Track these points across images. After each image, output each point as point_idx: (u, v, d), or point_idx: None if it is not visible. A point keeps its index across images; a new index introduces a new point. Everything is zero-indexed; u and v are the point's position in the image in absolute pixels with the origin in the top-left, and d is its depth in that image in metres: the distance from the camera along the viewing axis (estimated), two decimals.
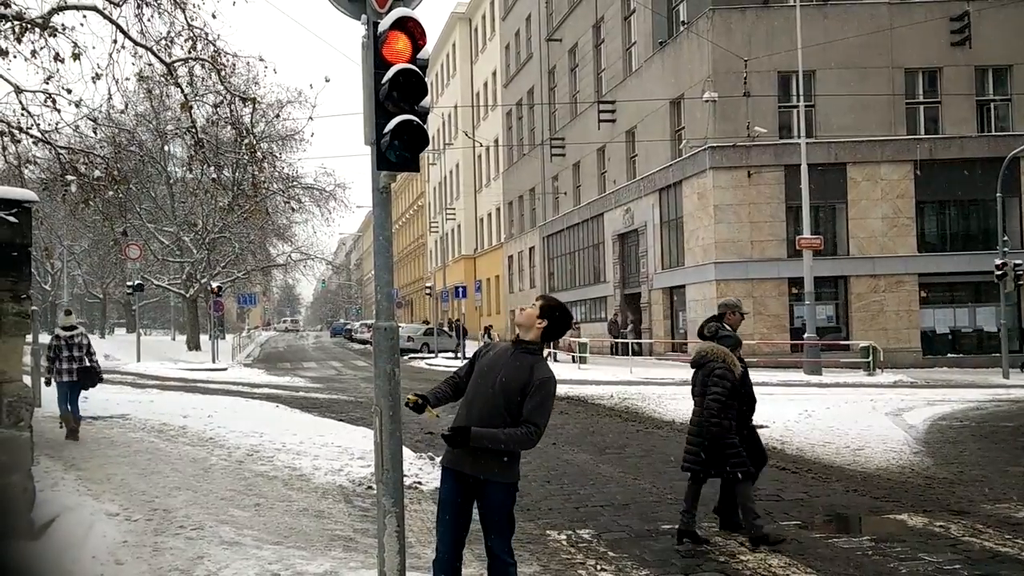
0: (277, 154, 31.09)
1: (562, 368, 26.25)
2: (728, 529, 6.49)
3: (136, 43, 12.00)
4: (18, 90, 11.87)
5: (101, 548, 5.38)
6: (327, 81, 13.33)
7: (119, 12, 11.76)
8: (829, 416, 13.05)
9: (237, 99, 13.15)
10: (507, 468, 4.17)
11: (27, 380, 6.69)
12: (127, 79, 28.65)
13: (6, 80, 11.89)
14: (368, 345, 44.24)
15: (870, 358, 22.22)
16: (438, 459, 8.82)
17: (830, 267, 24.77)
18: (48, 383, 11.36)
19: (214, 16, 16.74)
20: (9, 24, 10.77)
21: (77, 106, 12.27)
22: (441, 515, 4.20)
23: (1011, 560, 5.79)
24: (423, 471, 8.75)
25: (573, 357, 28.18)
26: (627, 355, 26.68)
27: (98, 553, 5.28)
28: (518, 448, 4.13)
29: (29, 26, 10.84)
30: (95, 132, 14.56)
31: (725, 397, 6.18)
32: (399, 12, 4.50)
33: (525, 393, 4.07)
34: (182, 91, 12.78)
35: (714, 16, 25.44)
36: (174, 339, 50.39)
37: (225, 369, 28.02)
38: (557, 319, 4.27)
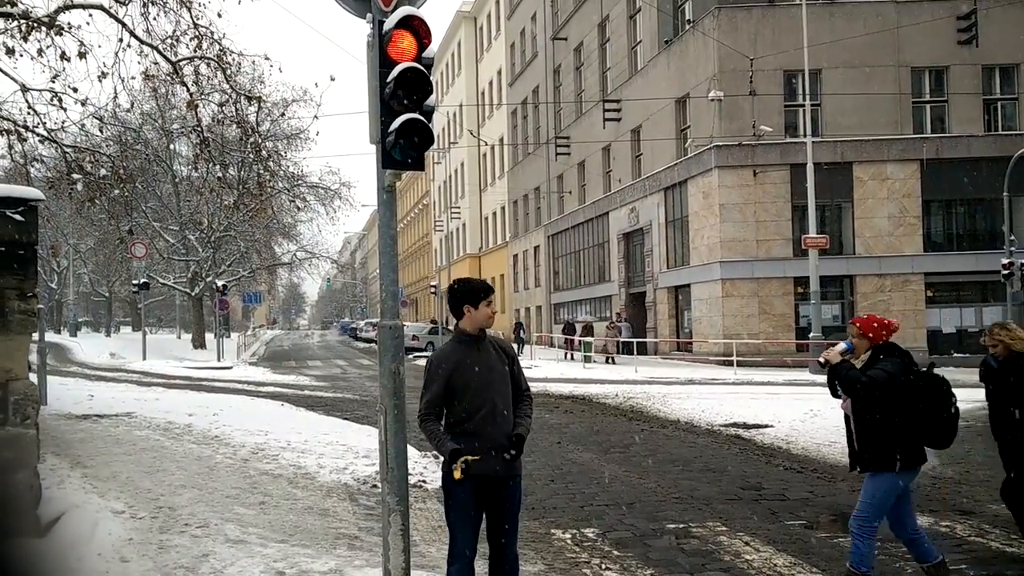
0: (282, 153, 31.16)
1: (568, 367, 26.23)
2: None
3: (142, 42, 12.03)
4: (24, 89, 11.91)
5: (107, 546, 5.39)
6: (332, 80, 13.38)
7: (125, 11, 11.81)
8: (835, 415, 12.89)
9: (242, 98, 13.17)
10: (520, 461, 4.26)
11: (33, 378, 6.71)
12: (133, 78, 28.69)
13: (12, 79, 11.94)
14: (373, 344, 44.29)
15: None
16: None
17: (836, 266, 24.72)
18: None
19: (220, 15, 16.84)
20: (15, 23, 10.80)
21: (83, 105, 12.31)
22: (464, 521, 4.11)
23: (1017, 560, 5.77)
24: (428, 470, 8.75)
25: (607, 358, 28.10)
26: (630, 354, 26.65)
27: (104, 551, 5.29)
28: None
29: (35, 25, 10.87)
30: (101, 131, 14.61)
31: None
32: (404, 11, 4.50)
33: (513, 369, 4.28)
34: (188, 90, 12.81)
35: (720, 15, 25.39)
36: (179, 337, 50.51)
37: (230, 367, 28.07)
38: (464, 294, 4.27)
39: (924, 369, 5.01)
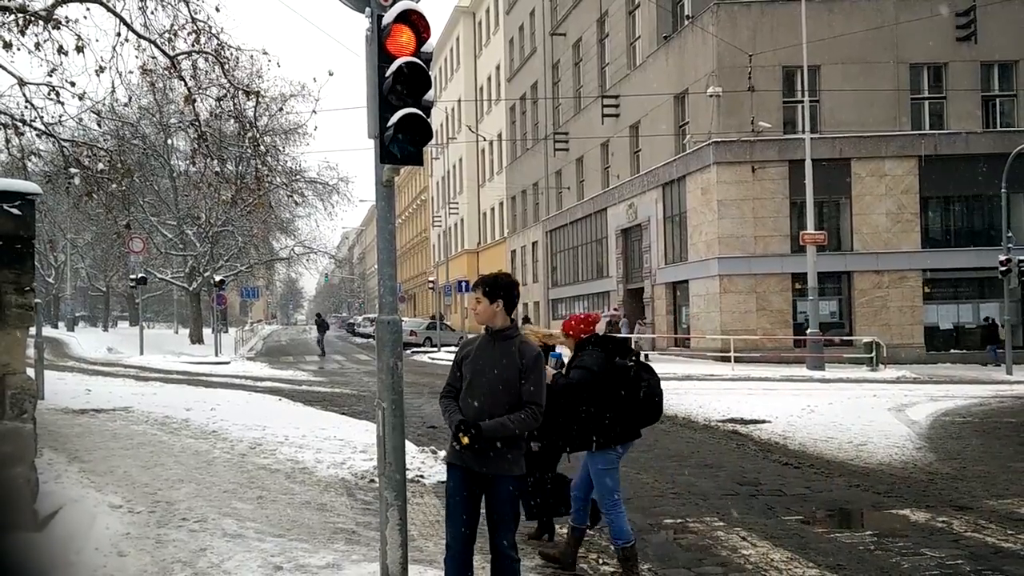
0: (280, 148, 31.11)
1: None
2: None
3: (140, 36, 11.99)
4: (22, 83, 11.88)
5: (104, 540, 5.39)
6: (331, 75, 13.34)
7: (123, 5, 11.77)
8: (832, 411, 13.05)
9: (240, 92, 13.11)
10: (514, 462, 4.16)
11: (30, 372, 6.69)
12: (130, 72, 28.55)
13: (10, 73, 11.90)
14: (371, 339, 44.27)
15: (873, 354, 22.21)
16: (441, 453, 8.83)
17: (833, 262, 24.74)
18: None
19: (218, 9, 16.68)
20: (13, 16, 10.77)
21: (81, 99, 12.25)
22: (451, 510, 4.13)
23: (1014, 556, 5.78)
24: (425, 464, 8.76)
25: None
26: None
27: (101, 545, 5.29)
28: (524, 431, 4.16)
29: (33, 18, 10.84)
30: (99, 125, 14.57)
31: None
32: (403, 5, 4.49)
33: (522, 377, 4.12)
34: (185, 84, 12.76)
35: (719, 10, 25.37)
36: (177, 332, 50.46)
37: (228, 362, 28.06)
38: (505, 288, 4.26)
39: (620, 360, 5.43)
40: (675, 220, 28.53)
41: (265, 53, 13.35)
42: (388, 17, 4.48)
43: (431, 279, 52.49)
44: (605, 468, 5.34)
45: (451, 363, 4.38)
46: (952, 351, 25.20)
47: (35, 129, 12.55)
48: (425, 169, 62.05)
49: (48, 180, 14.30)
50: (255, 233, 39.08)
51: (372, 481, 7.85)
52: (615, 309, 31.80)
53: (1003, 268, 21.76)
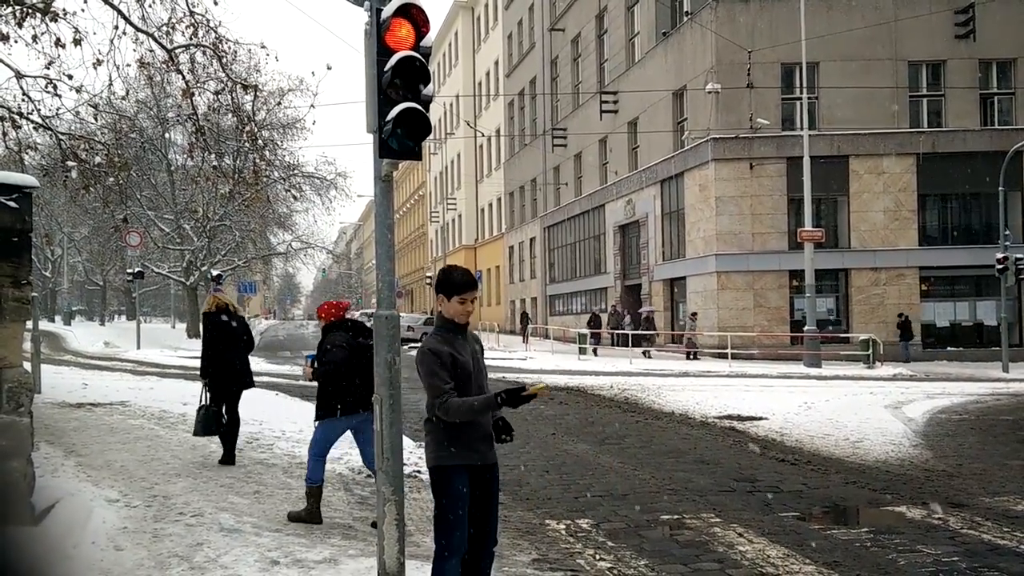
0: (278, 142, 31.07)
1: (563, 360, 26.24)
2: None
3: (137, 29, 11.95)
4: (19, 75, 11.84)
5: (101, 534, 5.39)
6: (329, 69, 13.30)
7: None
8: (828, 408, 13.07)
9: (238, 86, 13.08)
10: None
11: (27, 366, 6.67)
12: (128, 65, 28.55)
13: (7, 65, 11.86)
14: None
15: (870, 351, 22.25)
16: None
17: (831, 260, 24.77)
18: None
19: (216, 2, 16.70)
20: (10, 9, 10.73)
21: (78, 92, 12.20)
22: (463, 512, 4.03)
23: (1009, 552, 5.80)
24: (422, 460, 8.74)
25: (689, 354, 25.93)
26: (626, 346, 26.72)
27: (98, 539, 5.29)
28: None
29: (30, 11, 10.79)
30: (96, 118, 14.52)
31: None
32: None
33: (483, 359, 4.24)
34: (183, 78, 12.72)
35: (718, 7, 25.35)
36: (174, 327, 50.42)
37: None
38: (439, 283, 4.13)
39: (363, 340, 6.10)
40: (673, 217, 28.54)
41: (263, 47, 13.37)
42: (387, 11, 4.46)
43: (429, 275, 52.47)
44: (328, 432, 6.23)
45: (438, 365, 3.91)
46: (948, 348, 25.26)
47: (32, 122, 12.51)
48: (423, 164, 62.01)
49: (45, 173, 14.26)
50: (252, 228, 38.98)
51: (369, 476, 7.84)
52: (613, 305, 31.83)
53: (1000, 266, 21.80)
